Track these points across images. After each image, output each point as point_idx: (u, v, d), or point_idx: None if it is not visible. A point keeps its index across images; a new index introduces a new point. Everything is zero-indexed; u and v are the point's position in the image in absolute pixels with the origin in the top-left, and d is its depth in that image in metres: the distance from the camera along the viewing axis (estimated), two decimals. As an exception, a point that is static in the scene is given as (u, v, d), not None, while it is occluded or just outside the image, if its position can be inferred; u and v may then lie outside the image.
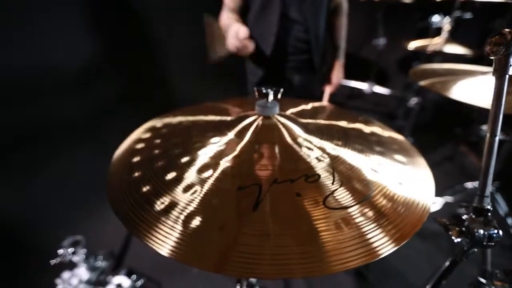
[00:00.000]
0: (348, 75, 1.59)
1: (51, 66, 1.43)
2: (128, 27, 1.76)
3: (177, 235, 0.38)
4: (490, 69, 0.82)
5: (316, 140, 0.57)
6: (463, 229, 0.49)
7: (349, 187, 0.45)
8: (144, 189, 0.46)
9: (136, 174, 0.50)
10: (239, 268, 0.34)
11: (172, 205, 0.42)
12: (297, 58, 1.25)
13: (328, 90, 1.41)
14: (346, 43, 1.38)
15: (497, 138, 0.49)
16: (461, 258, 0.54)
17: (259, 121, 0.59)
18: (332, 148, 0.55)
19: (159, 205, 0.42)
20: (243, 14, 1.22)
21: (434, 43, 1.73)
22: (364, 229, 0.39)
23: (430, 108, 2.67)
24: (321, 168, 0.49)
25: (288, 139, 0.56)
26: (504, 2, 1.75)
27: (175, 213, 0.41)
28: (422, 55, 2.05)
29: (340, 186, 0.45)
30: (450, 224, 0.52)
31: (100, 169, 0.70)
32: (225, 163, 0.49)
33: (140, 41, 1.86)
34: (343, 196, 0.44)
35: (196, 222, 0.39)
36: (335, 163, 0.50)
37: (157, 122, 0.71)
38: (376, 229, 0.39)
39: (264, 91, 0.59)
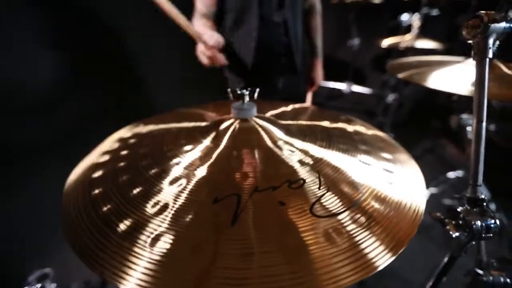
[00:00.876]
0: (326, 77, 1.59)
1: (16, 84, 1.32)
2: (101, 39, 1.67)
3: (145, 264, 0.32)
4: (462, 58, 0.83)
5: (298, 142, 0.53)
6: (460, 222, 0.47)
7: (337, 191, 0.41)
8: (104, 209, 0.39)
9: (96, 191, 0.43)
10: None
11: (137, 226, 0.36)
12: (279, 61, 1.21)
13: (310, 90, 1.40)
14: (322, 45, 1.39)
15: (483, 124, 0.47)
16: (459, 253, 0.51)
17: (236, 124, 0.54)
18: (316, 149, 0.51)
19: (122, 227, 0.36)
20: (217, 20, 1.16)
21: (406, 40, 1.78)
22: (356, 239, 0.34)
23: (408, 104, 2.74)
24: (305, 172, 0.44)
25: (268, 142, 0.51)
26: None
27: (141, 236, 0.35)
28: (395, 52, 2.11)
29: (328, 191, 0.41)
30: (445, 218, 0.49)
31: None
32: (199, 172, 0.44)
33: (115, 54, 1.78)
34: (331, 202, 0.39)
35: (165, 245, 0.34)
36: (320, 166, 0.46)
37: (126, 132, 0.64)
38: (370, 238, 0.35)
39: (239, 92, 0.54)
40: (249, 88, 0.55)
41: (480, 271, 0.59)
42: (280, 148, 0.50)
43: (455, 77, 0.72)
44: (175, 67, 1.97)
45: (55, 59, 1.48)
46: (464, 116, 0.82)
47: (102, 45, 1.69)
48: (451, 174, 1.77)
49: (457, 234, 0.46)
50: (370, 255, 0.33)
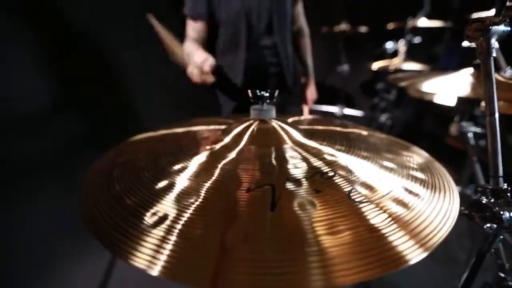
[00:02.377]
0: (319, 101, 1.66)
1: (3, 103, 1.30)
2: (89, 58, 1.70)
3: (173, 248, 0.30)
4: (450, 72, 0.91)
5: (316, 145, 0.53)
6: (487, 214, 0.46)
7: (370, 181, 0.41)
8: (129, 202, 0.37)
9: (117, 187, 0.41)
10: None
11: (166, 216, 0.34)
12: (270, 81, 1.26)
13: (306, 108, 1.44)
14: (314, 71, 1.47)
15: (496, 116, 0.49)
16: (489, 248, 0.50)
17: (255, 125, 0.54)
18: (336, 152, 0.51)
19: (150, 218, 0.34)
20: (207, 44, 1.21)
21: (394, 63, 1.92)
22: (394, 226, 0.33)
23: (397, 125, 2.86)
24: (333, 165, 0.44)
25: (288, 142, 0.52)
26: (441, 26, 2.02)
27: (171, 223, 0.33)
28: (383, 76, 2.24)
29: (361, 181, 0.40)
30: (471, 212, 0.49)
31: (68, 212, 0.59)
32: (225, 166, 0.43)
33: (104, 73, 1.79)
34: (365, 191, 0.38)
35: (196, 231, 0.32)
36: (346, 161, 0.46)
37: (140, 136, 0.63)
38: (408, 226, 0.34)
39: (258, 94, 0.55)
40: (269, 90, 0.56)
41: (504, 275, 0.57)
42: (303, 147, 0.50)
43: (447, 83, 0.78)
44: (165, 89, 2.00)
45: (50, 83, 1.49)
46: (463, 123, 0.86)
47: (93, 67, 1.72)
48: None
49: (487, 225, 0.46)
50: (402, 248, 0.31)
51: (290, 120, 0.70)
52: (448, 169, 0.51)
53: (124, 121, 1.91)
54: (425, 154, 0.58)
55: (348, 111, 3.06)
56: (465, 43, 0.63)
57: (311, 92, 1.44)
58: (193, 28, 1.14)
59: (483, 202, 0.47)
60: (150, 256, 0.29)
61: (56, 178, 1.49)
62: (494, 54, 0.50)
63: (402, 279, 1.40)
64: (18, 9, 1.36)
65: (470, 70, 0.82)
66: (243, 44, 1.14)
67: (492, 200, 0.47)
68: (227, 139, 0.52)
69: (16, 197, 1.34)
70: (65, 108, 1.59)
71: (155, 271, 0.28)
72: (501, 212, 0.45)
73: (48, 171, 1.48)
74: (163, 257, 0.29)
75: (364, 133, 0.66)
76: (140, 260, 0.29)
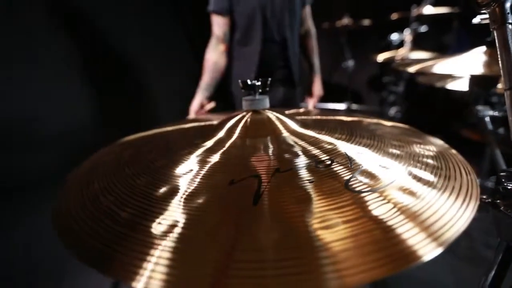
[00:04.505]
0: (326, 99, 1.73)
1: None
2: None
3: (160, 253, 0.26)
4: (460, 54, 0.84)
5: (315, 134, 0.48)
6: (514, 201, 0.40)
7: (371, 169, 0.36)
8: (105, 201, 0.34)
9: (96, 185, 0.37)
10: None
11: (145, 215, 0.30)
12: (279, 72, 1.37)
13: (311, 101, 1.51)
14: (320, 70, 1.55)
15: (517, 90, 0.43)
16: (519, 241, 0.43)
17: (248, 116, 0.50)
18: (336, 141, 0.46)
19: (127, 218, 0.30)
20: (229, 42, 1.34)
21: (400, 54, 1.84)
22: (398, 215, 0.28)
23: (408, 119, 2.75)
24: (331, 154, 0.39)
25: (284, 132, 0.47)
26: (448, 12, 1.93)
27: (152, 224, 0.29)
28: (390, 68, 2.16)
29: (360, 169, 0.35)
30: (494, 200, 0.43)
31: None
32: (212, 159, 0.39)
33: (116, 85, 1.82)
34: (367, 179, 0.34)
35: (180, 230, 0.28)
36: (346, 150, 0.41)
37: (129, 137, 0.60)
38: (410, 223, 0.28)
39: (249, 83, 0.51)
40: (260, 79, 0.52)
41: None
42: (299, 136, 0.46)
43: (457, 64, 0.72)
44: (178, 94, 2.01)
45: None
46: (480, 107, 0.79)
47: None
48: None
49: (515, 213, 0.39)
50: (412, 242, 0.26)
51: (288, 112, 0.65)
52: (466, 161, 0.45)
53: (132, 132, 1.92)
54: (439, 141, 0.52)
55: (356, 107, 2.98)
56: (476, 20, 0.57)
57: (318, 89, 1.52)
58: (217, 23, 1.25)
59: (509, 187, 0.41)
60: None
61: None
62: (510, 20, 0.44)
63: (421, 275, 1.33)
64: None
65: (483, 48, 0.76)
66: (258, 38, 1.26)
67: (518, 185, 0.41)
68: (221, 133, 0.48)
69: (20, 210, 1.34)
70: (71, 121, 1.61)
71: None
72: (531, 198, 0.39)
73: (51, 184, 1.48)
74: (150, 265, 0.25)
75: (369, 121, 0.61)
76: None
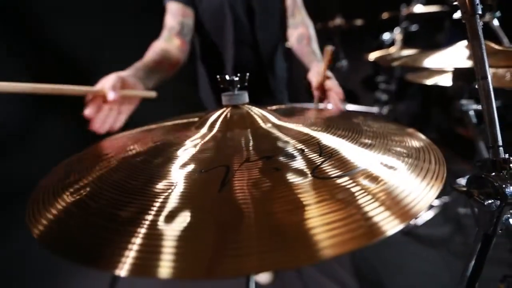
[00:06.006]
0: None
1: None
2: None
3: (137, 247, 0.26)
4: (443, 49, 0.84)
5: (292, 126, 0.49)
6: (488, 190, 0.40)
7: (340, 158, 0.36)
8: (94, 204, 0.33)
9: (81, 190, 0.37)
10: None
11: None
12: (252, 78, 1.17)
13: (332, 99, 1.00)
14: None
15: (489, 79, 0.44)
16: (494, 230, 0.43)
17: (228, 111, 0.51)
18: (313, 132, 0.46)
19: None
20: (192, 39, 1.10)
21: (391, 52, 1.86)
22: (362, 200, 0.29)
23: (401, 118, 2.76)
24: (303, 144, 0.39)
25: (261, 124, 0.48)
26: (439, 11, 1.94)
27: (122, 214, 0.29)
28: (382, 70, 2.18)
29: (329, 158, 0.36)
30: (470, 189, 0.43)
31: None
32: (187, 152, 0.39)
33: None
34: (335, 167, 0.34)
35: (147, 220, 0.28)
36: (319, 140, 0.41)
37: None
38: (378, 202, 0.29)
39: (228, 78, 0.52)
40: (239, 74, 0.52)
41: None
42: (277, 127, 0.46)
43: (440, 56, 0.73)
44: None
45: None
46: (464, 101, 0.80)
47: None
48: (462, 181, 1.68)
49: (489, 201, 0.40)
50: (377, 219, 0.27)
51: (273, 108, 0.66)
52: (459, 158, 0.46)
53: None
54: (418, 134, 0.52)
55: (351, 107, 2.99)
56: (456, 14, 0.58)
57: (313, 75, 1.09)
58: (171, 12, 0.97)
59: (482, 176, 0.41)
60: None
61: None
62: (479, 12, 0.45)
63: (416, 271, 1.33)
64: None
65: (465, 42, 0.76)
66: (229, 41, 1.07)
67: (493, 173, 0.41)
68: (203, 130, 0.49)
69: (19, 213, 1.34)
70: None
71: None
72: (504, 186, 0.39)
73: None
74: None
75: (352, 116, 0.61)
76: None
